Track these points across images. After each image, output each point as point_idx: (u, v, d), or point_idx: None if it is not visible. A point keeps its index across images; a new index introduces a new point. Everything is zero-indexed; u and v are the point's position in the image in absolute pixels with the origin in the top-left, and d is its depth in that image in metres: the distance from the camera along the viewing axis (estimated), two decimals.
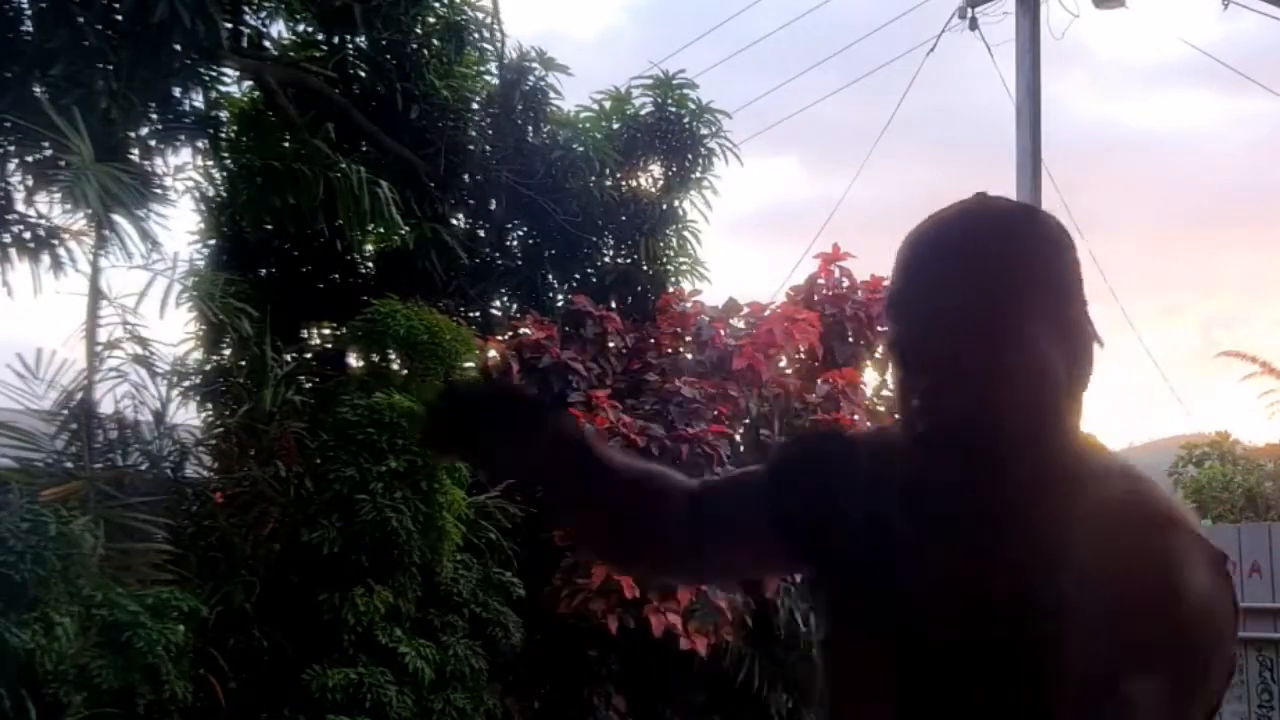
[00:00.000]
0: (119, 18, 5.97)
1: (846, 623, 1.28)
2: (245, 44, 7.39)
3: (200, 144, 7.12)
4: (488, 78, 8.66)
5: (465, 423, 1.37)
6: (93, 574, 4.81)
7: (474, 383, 1.44)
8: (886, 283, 1.30)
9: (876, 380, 8.38)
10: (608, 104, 8.83)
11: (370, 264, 8.53)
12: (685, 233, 8.90)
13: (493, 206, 8.49)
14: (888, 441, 1.27)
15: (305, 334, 8.22)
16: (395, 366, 6.79)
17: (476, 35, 8.41)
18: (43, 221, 5.99)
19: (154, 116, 6.64)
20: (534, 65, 8.56)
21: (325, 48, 8.10)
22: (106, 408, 5.78)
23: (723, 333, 7.96)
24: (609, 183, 8.60)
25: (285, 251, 8.02)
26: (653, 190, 8.93)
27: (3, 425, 5.49)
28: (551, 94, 8.65)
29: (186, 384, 6.34)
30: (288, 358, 6.90)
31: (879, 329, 8.18)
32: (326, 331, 8.27)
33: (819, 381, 7.82)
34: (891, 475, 1.22)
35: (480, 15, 8.36)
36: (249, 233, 7.51)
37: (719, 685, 6.85)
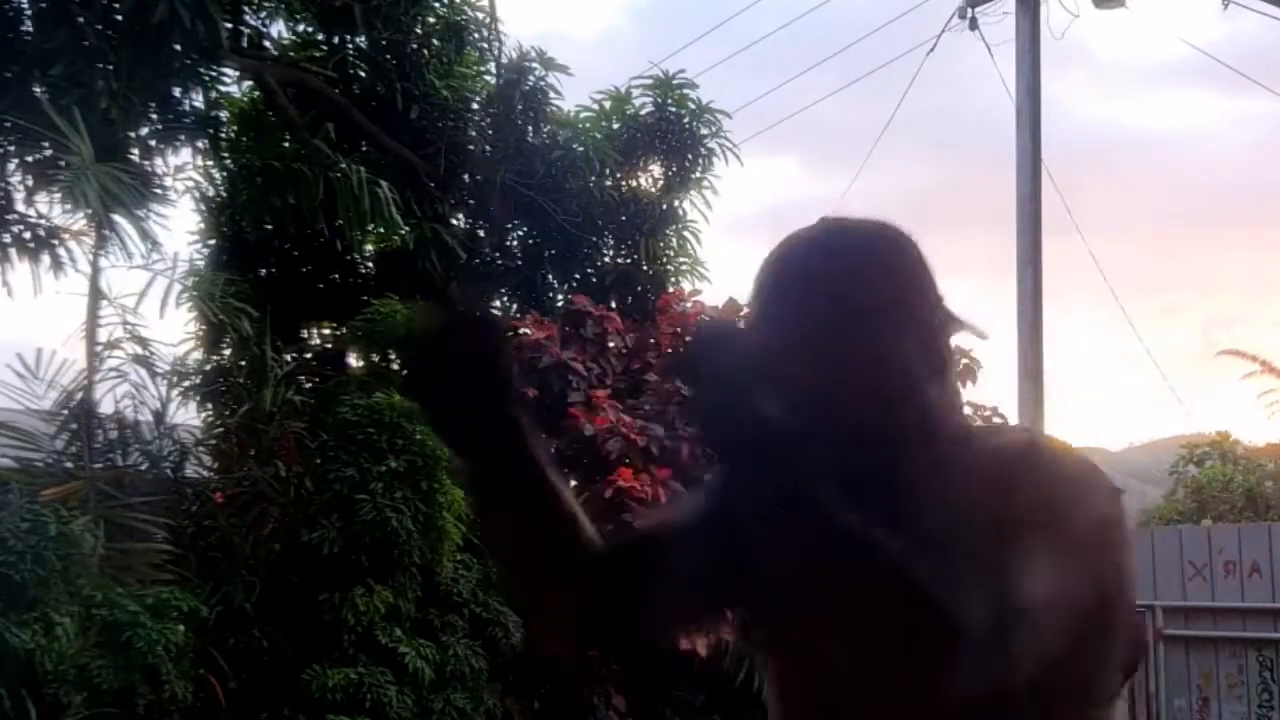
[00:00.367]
0: (119, 18, 5.97)
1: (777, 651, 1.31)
2: (245, 44, 7.39)
3: (200, 144, 7.12)
4: (488, 78, 8.66)
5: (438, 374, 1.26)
6: (93, 574, 4.81)
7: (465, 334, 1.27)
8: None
9: None
10: (608, 104, 8.83)
11: (370, 264, 8.53)
12: (685, 233, 8.90)
13: (493, 207, 8.49)
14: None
15: (305, 334, 8.22)
16: (395, 366, 6.79)
17: (476, 35, 8.41)
18: (43, 221, 6.00)
19: (154, 116, 6.63)
20: (534, 65, 8.56)
21: (325, 48, 8.10)
22: (106, 408, 5.79)
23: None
24: (609, 183, 8.60)
25: (285, 251, 8.02)
26: (653, 190, 8.93)
27: (3, 425, 5.49)
28: (551, 94, 8.66)
29: (186, 384, 6.34)
30: (288, 358, 6.90)
31: None
32: (326, 331, 8.28)
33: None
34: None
35: (480, 15, 8.36)
36: (249, 233, 7.51)
37: (719, 685, 6.85)
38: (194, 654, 5.15)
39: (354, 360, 7.48)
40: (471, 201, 8.60)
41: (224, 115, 7.61)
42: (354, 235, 7.25)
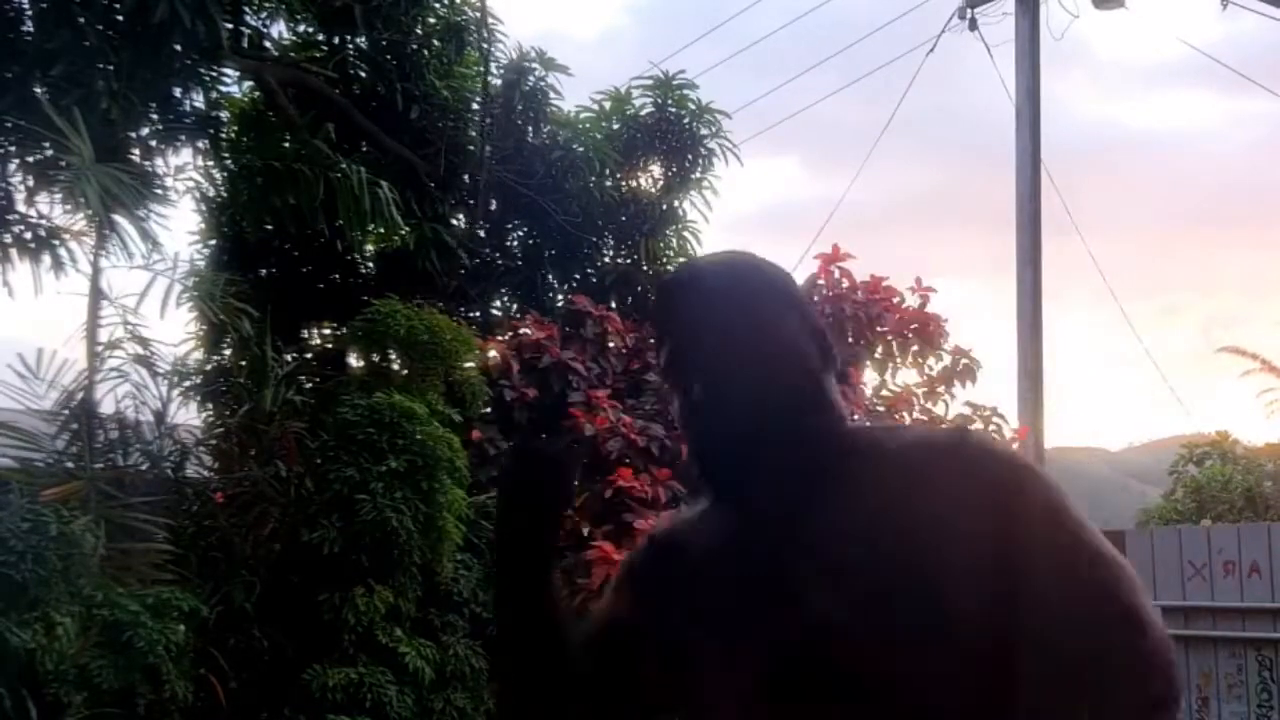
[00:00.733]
0: (119, 18, 5.97)
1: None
2: (245, 44, 7.39)
3: (200, 144, 7.12)
4: (488, 77, 8.66)
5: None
6: (93, 574, 4.81)
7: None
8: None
9: (876, 380, 8.39)
10: (608, 104, 8.84)
11: (370, 264, 8.53)
12: (685, 233, 8.91)
13: (493, 206, 8.50)
14: (693, 517, 1.45)
15: (305, 334, 8.22)
16: (395, 366, 6.79)
17: (476, 35, 8.41)
18: (43, 221, 5.99)
19: (154, 117, 6.63)
20: (534, 65, 8.56)
21: (325, 48, 8.10)
22: (107, 408, 5.78)
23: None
24: (609, 183, 8.60)
25: (285, 251, 8.03)
26: (653, 190, 8.93)
27: (3, 425, 5.49)
28: (551, 94, 8.66)
29: (187, 384, 6.34)
30: (288, 358, 6.91)
31: (879, 329, 8.19)
32: (326, 331, 8.27)
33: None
34: (705, 538, 1.38)
35: (480, 16, 8.36)
36: (249, 233, 7.51)
37: None
38: (194, 654, 5.14)
39: (354, 360, 7.47)
40: (471, 201, 8.61)
41: (224, 115, 7.60)
42: (354, 235, 7.25)
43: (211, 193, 7.64)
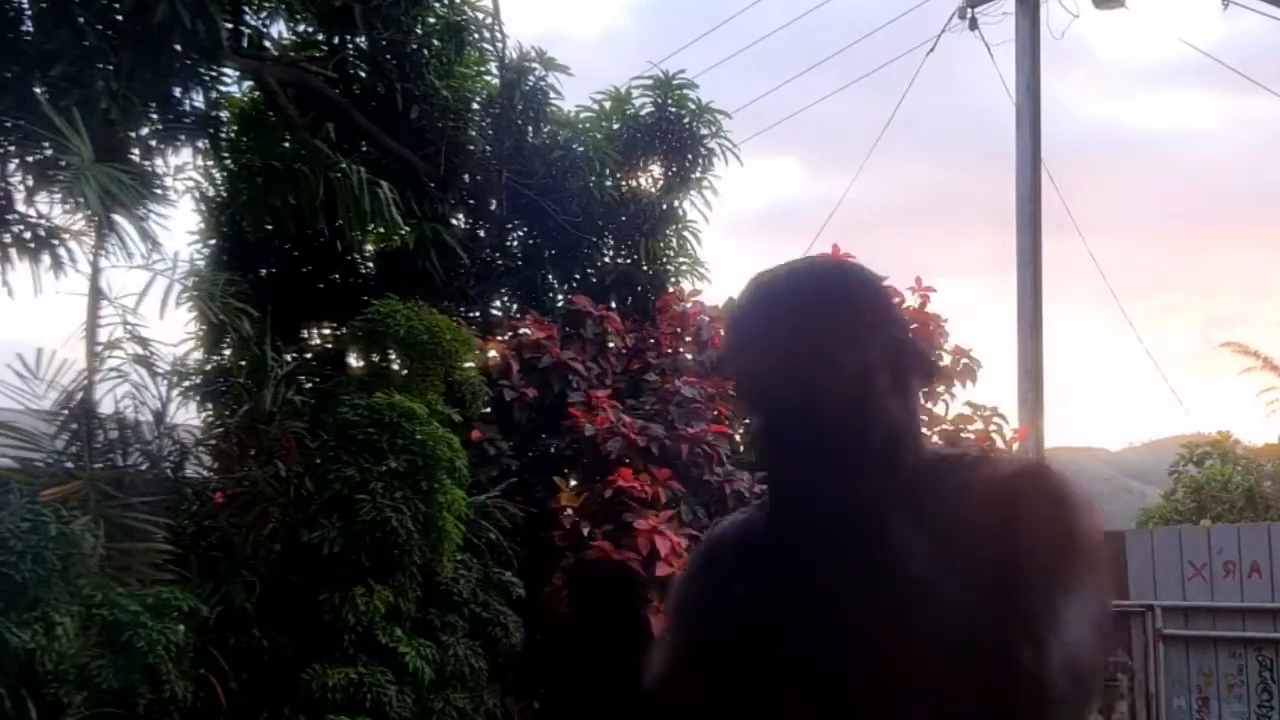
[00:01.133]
0: (119, 18, 5.96)
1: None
2: (245, 44, 7.38)
3: (200, 144, 7.11)
4: (488, 78, 8.66)
5: None
6: (93, 574, 4.81)
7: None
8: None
9: None
10: (608, 104, 8.84)
11: (370, 264, 8.53)
12: (685, 233, 8.90)
13: (493, 206, 8.49)
14: (750, 524, 1.43)
15: (305, 334, 8.22)
16: (395, 366, 6.79)
17: (476, 35, 8.41)
18: (43, 221, 5.99)
19: (154, 117, 6.63)
20: (534, 65, 8.56)
21: (325, 48, 8.09)
22: (106, 408, 5.78)
23: (723, 333, 7.96)
24: (609, 183, 8.59)
25: (285, 251, 8.02)
26: (653, 190, 8.93)
27: (3, 425, 5.48)
28: (551, 94, 8.66)
29: (186, 384, 6.34)
30: (288, 358, 6.90)
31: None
32: (326, 331, 8.27)
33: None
34: (761, 555, 1.36)
35: (480, 15, 8.36)
36: (249, 233, 7.51)
37: None
38: (194, 654, 5.14)
39: (354, 360, 7.47)
40: (472, 201, 8.61)
41: (224, 115, 7.60)
42: (354, 235, 7.24)
43: (211, 193, 7.65)
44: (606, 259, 8.83)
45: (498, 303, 8.70)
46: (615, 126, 8.76)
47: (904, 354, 1.35)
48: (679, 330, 8.18)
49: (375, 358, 6.88)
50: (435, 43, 8.20)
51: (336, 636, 5.62)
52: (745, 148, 9.03)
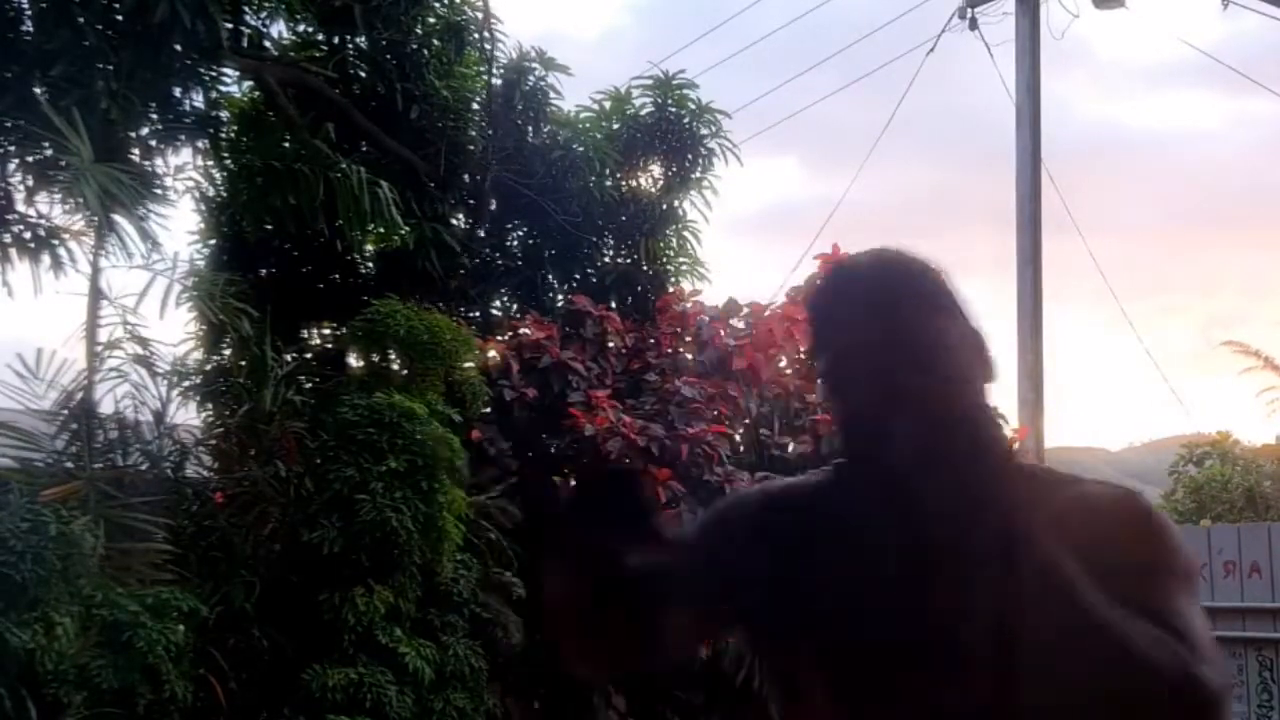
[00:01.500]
0: (119, 18, 5.97)
1: (812, 672, 1.33)
2: (245, 44, 7.38)
3: (200, 144, 7.11)
4: (488, 77, 8.66)
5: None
6: (93, 574, 4.81)
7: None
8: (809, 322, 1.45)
9: None
10: (608, 104, 8.83)
11: (370, 264, 8.52)
12: (685, 233, 8.90)
13: (493, 206, 8.49)
14: (807, 486, 1.42)
15: (305, 334, 8.21)
16: (395, 366, 6.79)
17: (476, 35, 8.41)
18: (43, 221, 5.99)
19: (154, 117, 6.63)
20: (534, 65, 8.56)
21: (325, 48, 8.09)
22: (106, 408, 5.78)
23: (723, 333, 7.96)
24: (609, 183, 8.59)
25: (285, 251, 8.02)
26: (653, 190, 8.92)
27: (3, 425, 5.49)
28: (551, 94, 8.66)
29: (186, 384, 6.34)
30: (288, 358, 6.90)
31: None
32: (326, 331, 8.27)
33: (819, 381, 7.83)
34: (814, 518, 1.35)
35: (480, 16, 8.36)
36: (249, 233, 7.50)
37: (719, 685, 6.85)
38: (194, 654, 5.14)
39: (354, 360, 7.47)
40: (472, 201, 8.61)
41: (224, 115, 7.59)
42: (354, 235, 7.24)
43: (211, 193, 7.64)
44: (606, 259, 8.83)
45: (498, 303, 8.70)
46: (615, 126, 8.76)
47: (982, 348, 1.36)
48: (679, 330, 8.18)
49: (375, 358, 6.88)
50: (435, 43, 8.20)
51: (336, 636, 5.62)
52: (745, 148, 9.04)
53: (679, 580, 1.39)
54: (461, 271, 8.18)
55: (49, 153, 5.63)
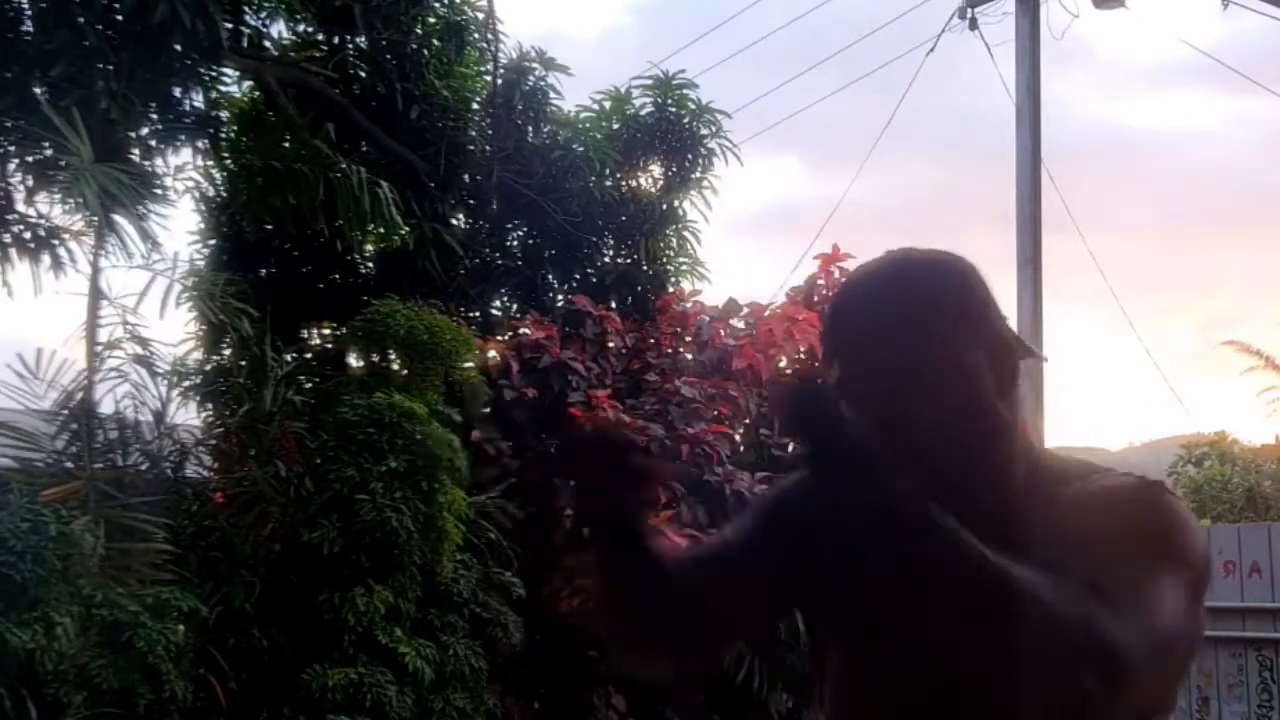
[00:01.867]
0: (119, 18, 5.97)
1: (851, 651, 1.38)
2: (245, 44, 7.39)
3: (200, 144, 7.12)
4: (488, 78, 8.67)
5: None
6: (93, 574, 4.81)
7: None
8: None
9: None
10: (608, 104, 8.84)
11: (370, 264, 8.53)
12: (685, 233, 8.90)
13: (494, 206, 8.49)
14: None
15: (305, 334, 8.22)
16: (395, 366, 6.79)
17: (476, 35, 8.42)
18: (43, 221, 5.99)
19: (154, 117, 6.63)
20: (534, 65, 8.57)
21: (325, 48, 8.09)
22: (106, 408, 5.78)
23: (723, 333, 7.96)
24: (609, 183, 8.60)
25: (285, 251, 8.02)
26: (653, 190, 8.93)
27: (3, 425, 5.49)
28: (551, 94, 8.66)
29: (186, 384, 6.34)
30: (288, 358, 6.90)
31: None
32: (326, 331, 8.27)
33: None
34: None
35: (480, 16, 8.36)
36: (249, 233, 7.51)
37: (719, 685, 6.85)
38: (194, 654, 5.14)
39: (354, 360, 7.47)
40: (472, 201, 8.61)
41: (224, 115, 7.60)
42: (354, 235, 7.24)
43: (211, 193, 7.64)
44: (606, 259, 8.83)
45: (498, 303, 8.70)
46: (615, 126, 8.76)
47: (1008, 351, 1.34)
48: (679, 330, 8.19)
49: (375, 358, 6.88)
50: (435, 43, 8.21)
51: (336, 636, 5.62)
52: (745, 148, 9.05)
53: (738, 556, 1.44)
54: (461, 271, 8.18)
55: (49, 153, 5.63)
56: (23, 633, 4.40)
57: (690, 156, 8.74)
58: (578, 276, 8.74)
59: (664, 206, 8.82)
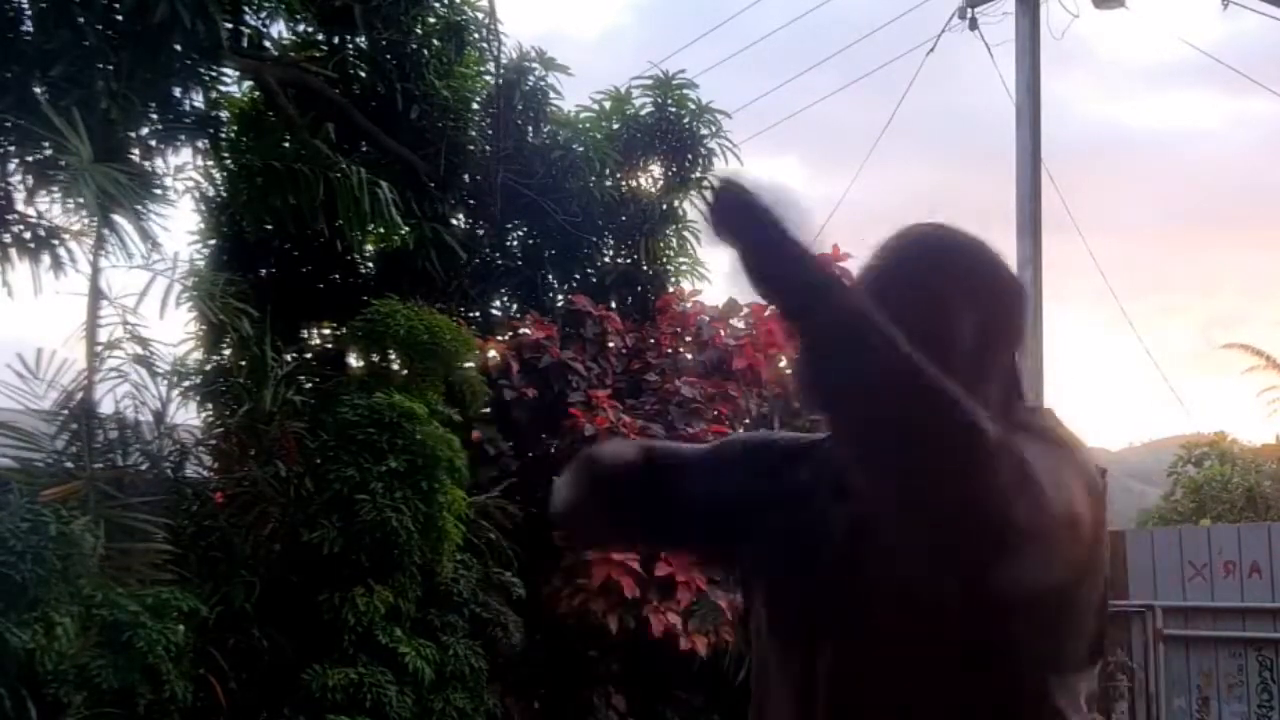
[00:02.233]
0: (119, 18, 5.97)
1: (774, 616, 1.40)
2: (245, 44, 7.39)
3: (200, 144, 7.12)
4: (488, 78, 8.66)
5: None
6: (93, 574, 4.81)
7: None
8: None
9: None
10: (608, 104, 8.84)
11: (370, 264, 8.53)
12: (685, 233, 8.90)
13: (494, 206, 8.49)
14: (818, 452, 1.43)
15: (305, 334, 8.22)
16: (395, 366, 6.79)
17: (476, 35, 8.41)
18: (43, 221, 6.00)
19: (154, 117, 6.63)
20: (534, 65, 8.56)
21: (325, 48, 8.09)
22: (106, 408, 5.78)
23: (723, 333, 7.96)
24: (609, 183, 8.60)
25: (285, 251, 8.02)
26: (653, 190, 8.93)
27: (3, 425, 5.49)
28: (551, 94, 8.66)
29: (186, 384, 6.34)
30: (288, 358, 6.90)
31: None
32: (326, 331, 8.27)
33: None
34: (815, 477, 1.39)
35: (480, 16, 8.36)
36: (249, 233, 7.51)
37: (719, 685, 6.85)
38: (194, 654, 5.15)
39: (354, 360, 7.47)
40: (471, 201, 8.61)
41: (224, 115, 7.60)
42: (354, 235, 7.24)
43: (211, 193, 7.64)
44: (606, 259, 8.83)
45: (498, 303, 8.70)
46: (615, 126, 8.76)
47: (1011, 320, 1.37)
48: (679, 330, 8.18)
49: (375, 358, 6.88)
50: (435, 43, 8.20)
51: (336, 636, 5.62)
52: (745, 148, 9.05)
53: (698, 479, 1.49)
54: (462, 271, 8.18)
55: (49, 153, 5.63)
56: (23, 633, 4.40)
57: (690, 156, 8.74)
58: (578, 276, 8.73)
59: (664, 206, 8.82)
